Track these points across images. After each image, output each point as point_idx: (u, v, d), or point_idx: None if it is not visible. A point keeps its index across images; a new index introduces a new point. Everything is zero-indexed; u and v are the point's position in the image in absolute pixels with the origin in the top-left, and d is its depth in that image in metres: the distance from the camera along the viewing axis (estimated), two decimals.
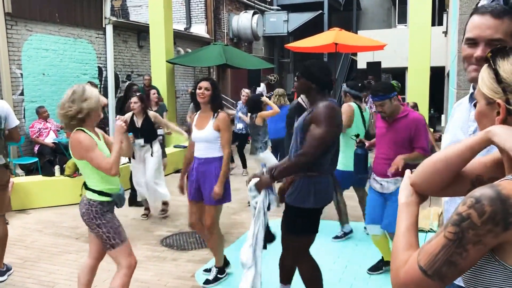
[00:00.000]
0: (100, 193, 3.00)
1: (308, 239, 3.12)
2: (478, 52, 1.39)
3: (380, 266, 4.14)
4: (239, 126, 8.54)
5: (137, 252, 4.63)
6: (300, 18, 17.01)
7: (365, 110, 5.10)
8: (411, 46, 8.86)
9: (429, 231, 4.99)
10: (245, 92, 8.69)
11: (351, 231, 5.08)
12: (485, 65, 1.11)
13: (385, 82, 4.01)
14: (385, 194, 3.78)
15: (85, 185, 3.06)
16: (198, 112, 3.94)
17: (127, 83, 10.72)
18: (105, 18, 10.06)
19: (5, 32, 7.73)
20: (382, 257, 4.13)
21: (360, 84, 5.36)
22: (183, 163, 4.11)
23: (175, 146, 9.12)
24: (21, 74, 8.20)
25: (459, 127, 1.53)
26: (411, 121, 3.63)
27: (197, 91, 3.77)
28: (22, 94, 8.22)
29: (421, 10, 8.64)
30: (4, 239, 4.11)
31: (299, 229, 3.06)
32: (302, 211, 3.00)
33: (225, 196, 3.89)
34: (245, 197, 7.03)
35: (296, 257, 3.19)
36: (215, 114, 3.79)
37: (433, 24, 9.43)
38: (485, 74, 1.10)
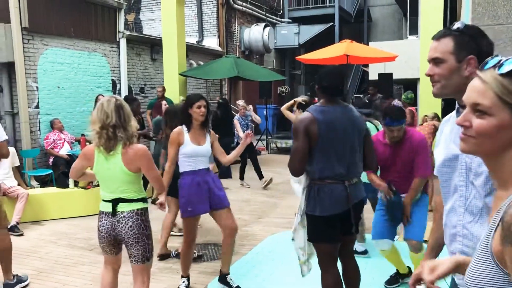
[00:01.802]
0: (144, 200, 3.04)
1: (322, 247, 3.09)
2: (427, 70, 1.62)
3: (397, 279, 4.09)
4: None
5: None
6: (311, 30, 17.11)
7: (378, 124, 5.05)
8: (422, 57, 8.84)
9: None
10: (241, 104, 8.91)
11: (365, 251, 4.80)
12: (497, 74, 1.06)
13: (399, 107, 3.93)
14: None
15: (120, 200, 2.97)
16: (186, 130, 3.86)
17: (141, 95, 10.84)
18: (119, 32, 10.21)
19: (22, 46, 7.89)
20: (398, 270, 4.10)
21: (366, 98, 5.35)
22: (168, 178, 3.89)
23: None
24: (37, 87, 8.34)
25: (451, 140, 1.60)
26: (414, 142, 3.70)
27: (198, 110, 3.82)
28: (37, 106, 8.36)
29: (432, 21, 8.63)
30: (6, 251, 4.07)
31: (311, 236, 3.12)
32: (311, 218, 3.05)
33: None
34: (256, 209, 7.04)
35: (319, 265, 3.16)
36: (208, 131, 3.99)
37: None
38: (507, 83, 1.05)
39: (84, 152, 3.11)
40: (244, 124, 8.89)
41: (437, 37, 1.64)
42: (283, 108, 6.61)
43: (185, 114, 3.87)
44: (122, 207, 2.96)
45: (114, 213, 2.96)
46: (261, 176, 8.63)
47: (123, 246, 3.13)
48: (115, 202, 2.96)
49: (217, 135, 4.21)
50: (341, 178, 2.96)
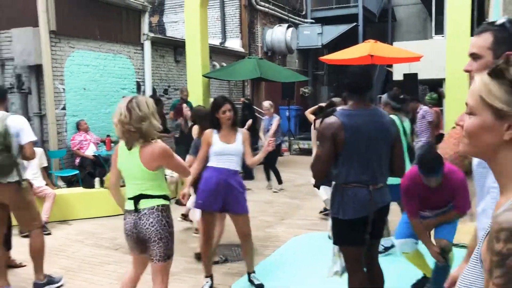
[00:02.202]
0: (165, 197, 3.04)
1: (347, 250, 3.07)
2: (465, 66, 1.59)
3: (424, 283, 4.00)
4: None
5: (174, 263, 4.66)
6: (334, 31, 16.98)
7: (405, 120, 4.99)
8: (448, 57, 8.68)
9: (462, 245, 4.83)
10: (265, 106, 8.77)
11: (392, 246, 4.81)
12: (487, 76, 1.06)
13: (436, 156, 3.51)
14: None
15: (141, 197, 2.99)
16: (216, 131, 3.96)
17: (165, 96, 10.95)
18: (143, 34, 10.34)
19: (49, 49, 8.06)
20: (424, 274, 4.01)
21: (402, 97, 5.21)
22: (195, 174, 3.98)
23: None
24: (64, 89, 8.50)
25: None
26: (454, 185, 3.48)
27: (224, 115, 3.89)
28: (64, 108, 8.52)
29: (459, 20, 8.46)
30: (39, 252, 4.13)
31: (336, 239, 3.12)
32: (335, 221, 3.03)
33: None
34: (279, 210, 7.02)
35: (346, 268, 3.14)
36: (238, 129, 4.04)
37: (472, 34, 9.22)
38: (493, 86, 1.04)
39: (113, 154, 3.18)
40: (267, 126, 8.82)
41: (478, 32, 1.60)
42: (308, 112, 6.57)
43: (213, 118, 3.97)
44: (143, 204, 2.97)
45: (136, 209, 2.97)
46: (280, 181, 8.57)
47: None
48: (137, 199, 2.99)
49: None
50: (365, 182, 2.91)
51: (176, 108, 9.36)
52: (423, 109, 7.66)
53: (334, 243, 3.16)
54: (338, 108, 3.10)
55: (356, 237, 2.98)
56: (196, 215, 5.81)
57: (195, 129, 5.73)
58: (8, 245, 4.59)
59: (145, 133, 2.92)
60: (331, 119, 2.93)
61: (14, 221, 4.44)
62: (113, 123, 3.00)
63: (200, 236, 4.08)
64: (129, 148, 2.95)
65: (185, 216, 6.11)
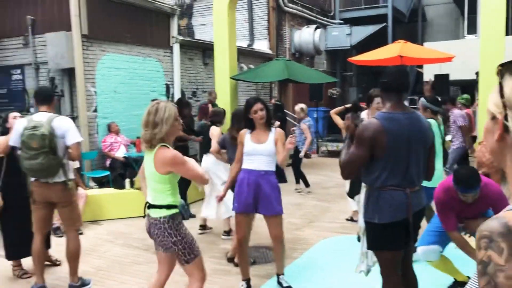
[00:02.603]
0: (169, 207, 3.04)
1: (383, 255, 3.00)
2: None
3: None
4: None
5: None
6: (363, 31, 16.79)
7: (441, 124, 4.91)
8: (482, 57, 8.47)
9: None
10: (297, 110, 8.56)
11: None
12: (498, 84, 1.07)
13: (472, 172, 3.42)
14: None
15: (149, 205, 3.08)
16: (249, 131, 4.00)
17: (193, 99, 11.04)
18: (172, 37, 10.46)
19: (81, 52, 8.24)
20: (455, 278, 3.92)
21: (439, 100, 5.10)
22: (232, 176, 4.16)
23: None
24: (95, 92, 8.68)
25: None
26: (491, 200, 3.38)
27: (256, 115, 3.89)
28: (95, 110, 8.69)
29: (493, 19, 8.24)
30: (76, 254, 4.20)
31: (371, 243, 3.05)
32: (370, 225, 2.97)
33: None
34: (307, 213, 6.97)
35: (381, 273, 3.08)
36: (271, 129, 4.02)
37: (507, 34, 8.95)
38: (494, 90, 1.06)
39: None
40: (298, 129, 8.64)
41: None
42: (333, 112, 6.47)
43: (246, 119, 3.99)
44: (151, 213, 3.08)
45: (145, 215, 3.13)
46: (307, 184, 8.50)
47: None
48: (148, 206, 3.10)
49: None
50: (403, 186, 2.86)
51: (201, 109, 9.42)
52: (454, 113, 7.48)
53: (369, 248, 3.08)
54: (377, 112, 3.00)
55: (392, 242, 2.92)
56: (209, 213, 5.84)
57: (214, 130, 5.75)
58: (47, 244, 4.70)
59: (159, 138, 2.99)
60: (372, 122, 2.86)
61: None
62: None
63: (234, 239, 4.07)
64: (149, 150, 3.06)
65: (203, 227, 6.10)
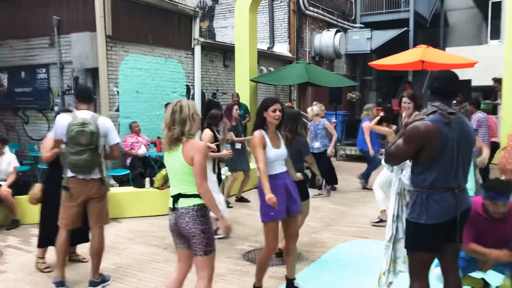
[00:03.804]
0: (200, 196, 3.17)
1: (420, 256, 3.03)
2: None
3: None
4: (317, 145, 8.31)
5: (221, 265, 4.77)
6: (384, 36, 16.69)
7: None
8: (506, 63, 8.37)
9: None
10: (309, 112, 8.61)
11: None
12: None
13: (503, 181, 3.47)
14: None
15: (179, 196, 3.17)
16: (265, 133, 3.86)
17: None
18: (194, 39, 10.56)
19: (105, 53, 8.38)
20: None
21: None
22: (266, 178, 3.77)
23: None
24: (118, 92, 8.81)
25: None
26: None
27: (273, 113, 3.81)
28: (117, 110, 8.83)
29: None
30: (99, 251, 4.28)
31: (411, 243, 3.06)
32: (414, 225, 2.98)
33: None
34: (325, 216, 6.97)
35: (410, 273, 3.11)
36: (280, 133, 4.04)
37: None
38: None
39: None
40: (313, 131, 8.59)
41: None
42: (373, 125, 6.32)
43: (260, 117, 3.89)
44: (180, 203, 3.17)
45: (174, 208, 3.19)
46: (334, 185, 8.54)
47: None
48: (176, 197, 3.19)
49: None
50: (452, 187, 2.92)
51: (226, 110, 9.44)
52: (474, 117, 7.39)
53: (407, 247, 3.09)
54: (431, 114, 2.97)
55: (434, 242, 2.98)
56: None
57: (207, 133, 5.77)
58: (85, 238, 4.71)
59: (186, 133, 3.14)
60: (427, 124, 2.88)
61: None
62: (162, 129, 3.25)
63: (266, 245, 3.89)
64: (171, 150, 3.17)
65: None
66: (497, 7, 14.54)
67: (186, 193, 3.16)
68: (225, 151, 5.88)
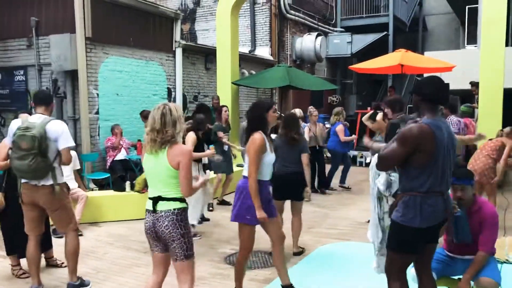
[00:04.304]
0: (181, 200, 3.18)
1: (403, 257, 3.08)
2: None
3: None
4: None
5: (202, 268, 4.75)
6: (364, 40, 16.88)
7: None
8: (482, 67, 8.53)
9: (504, 262, 4.73)
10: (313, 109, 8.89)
11: None
12: None
13: (464, 168, 3.74)
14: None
15: (159, 198, 3.14)
16: (264, 136, 3.80)
17: (194, 103, 11.08)
18: (175, 41, 10.52)
19: (85, 55, 8.29)
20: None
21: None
22: (256, 184, 3.72)
23: (238, 165, 9.24)
24: (97, 94, 8.72)
25: None
26: (484, 215, 3.43)
27: (274, 113, 3.87)
28: (97, 113, 8.73)
29: (493, 29, 8.32)
30: (74, 253, 4.21)
31: (397, 245, 3.08)
32: (404, 228, 2.99)
33: None
34: (306, 218, 6.99)
35: (390, 273, 3.16)
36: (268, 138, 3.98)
37: (507, 44, 9.02)
38: None
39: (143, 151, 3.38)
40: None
41: None
42: (365, 118, 6.37)
43: (261, 118, 3.81)
44: (161, 206, 3.15)
45: (154, 210, 3.15)
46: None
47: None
48: (155, 200, 3.16)
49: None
50: (442, 191, 2.99)
51: (217, 112, 9.46)
52: (449, 119, 7.54)
53: (392, 248, 3.11)
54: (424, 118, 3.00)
55: (420, 245, 3.05)
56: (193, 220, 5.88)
57: (191, 136, 5.86)
58: (47, 245, 4.74)
59: (175, 135, 3.14)
60: (423, 127, 2.90)
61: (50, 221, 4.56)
62: (145, 131, 3.21)
63: (242, 246, 3.89)
64: (155, 152, 3.14)
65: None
66: (474, 13, 14.83)
67: (167, 196, 3.14)
68: (209, 151, 5.99)
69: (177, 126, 3.15)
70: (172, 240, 3.12)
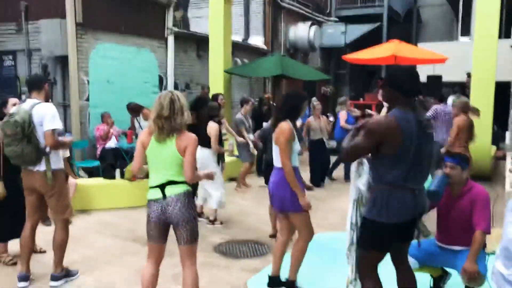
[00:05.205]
0: (188, 184, 3.22)
1: (373, 254, 3.04)
2: None
3: (439, 282, 3.94)
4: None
5: None
6: (358, 30, 16.83)
7: None
8: (475, 60, 8.54)
9: (491, 253, 4.75)
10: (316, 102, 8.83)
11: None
12: None
13: (464, 155, 3.78)
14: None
15: (168, 183, 3.16)
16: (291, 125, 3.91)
17: (186, 91, 11.00)
18: (167, 29, 10.41)
19: (75, 41, 8.17)
20: (431, 275, 3.92)
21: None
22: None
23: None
24: (88, 81, 8.62)
25: None
26: (475, 195, 3.49)
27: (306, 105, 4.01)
28: (87, 99, 8.64)
29: (487, 21, 8.31)
30: (62, 245, 4.16)
31: (367, 242, 3.05)
32: (373, 224, 2.95)
33: None
34: None
35: (361, 272, 3.13)
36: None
37: (500, 37, 9.03)
38: None
39: (140, 138, 3.34)
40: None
41: None
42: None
43: (297, 109, 3.89)
44: (170, 191, 3.16)
45: (164, 196, 3.15)
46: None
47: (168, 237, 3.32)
48: (162, 186, 3.16)
49: None
50: (412, 186, 2.90)
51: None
52: (432, 108, 7.66)
53: (362, 246, 3.08)
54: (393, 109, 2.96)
55: (387, 242, 2.99)
56: (214, 203, 5.90)
57: (213, 126, 5.87)
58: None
59: (180, 124, 3.14)
60: (390, 119, 2.84)
61: None
62: (151, 117, 3.19)
63: (307, 235, 3.89)
64: (163, 140, 3.14)
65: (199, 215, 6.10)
66: (468, 5, 14.84)
67: (175, 180, 3.17)
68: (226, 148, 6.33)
69: (185, 113, 3.16)
70: (186, 222, 3.15)
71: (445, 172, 3.53)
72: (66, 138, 4.21)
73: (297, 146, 3.85)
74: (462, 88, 11.73)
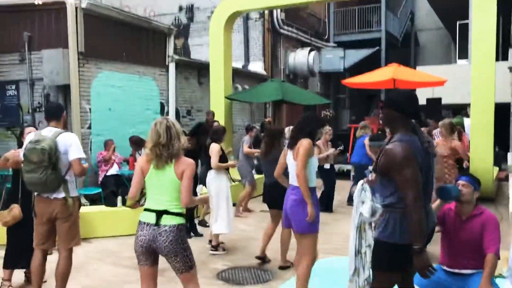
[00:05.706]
0: (183, 215, 3.23)
1: (392, 276, 2.99)
2: None
3: None
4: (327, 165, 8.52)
5: None
6: (357, 55, 17.03)
7: None
8: (473, 82, 8.60)
9: (498, 276, 4.69)
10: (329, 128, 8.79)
11: None
12: None
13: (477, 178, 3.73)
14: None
15: (165, 212, 3.15)
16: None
17: (187, 118, 11.07)
18: (168, 56, 10.54)
19: (77, 70, 8.28)
20: None
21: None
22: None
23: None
24: (90, 109, 8.69)
25: None
26: (485, 219, 3.48)
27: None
28: (89, 127, 8.69)
29: (484, 45, 8.40)
30: (65, 274, 4.15)
31: (381, 264, 2.99)
32: (389, 246, 2.92)
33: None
34: None
35: None
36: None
37: (497, 59, 9.13)
38: None
39: (138, 163, 3.34)
40: None
41: None
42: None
43: (315, 131, 4.23)
44: (165, 220, 3.14)
45: (157, 224, 3.13)
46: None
47: (160, 258, 3.33)
48: (159, 213, 3.15)
49: None
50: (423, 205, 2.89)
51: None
52: (434, 132, 7.68)
53: (375, 268, 3.03)
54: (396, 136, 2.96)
55: (406, 262, 2.92)
56: (221, 229, 5.85)
57: (214, 147, 5.97)
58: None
59: (177, 149, 3.17)
60: (403, 144, 2.82)
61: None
62: (147, 145, 3.21)
63: (311, 256, 4.14)
64: (162, 167, 3.16)
65: (215, 246, 6.00)
66: (465, 28, 15.03)
67: (173, 210, 3.17)
68: (232, 161, 6.46)
69: (181, 139, 3.20)
70: (175, 255, 3.14)
71: (459, 188, 3.53)
72: (85, 166, 4.25)
73: (314, 161, 4.07)
74: (460, 111, 11.78)
